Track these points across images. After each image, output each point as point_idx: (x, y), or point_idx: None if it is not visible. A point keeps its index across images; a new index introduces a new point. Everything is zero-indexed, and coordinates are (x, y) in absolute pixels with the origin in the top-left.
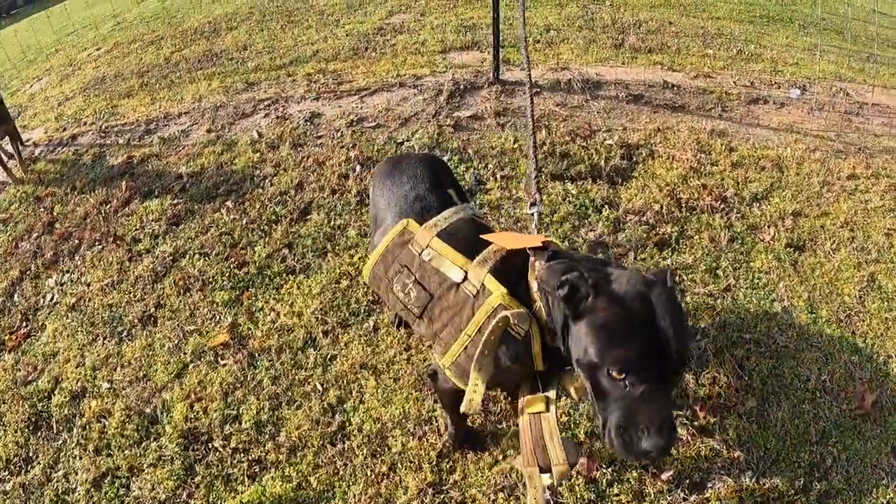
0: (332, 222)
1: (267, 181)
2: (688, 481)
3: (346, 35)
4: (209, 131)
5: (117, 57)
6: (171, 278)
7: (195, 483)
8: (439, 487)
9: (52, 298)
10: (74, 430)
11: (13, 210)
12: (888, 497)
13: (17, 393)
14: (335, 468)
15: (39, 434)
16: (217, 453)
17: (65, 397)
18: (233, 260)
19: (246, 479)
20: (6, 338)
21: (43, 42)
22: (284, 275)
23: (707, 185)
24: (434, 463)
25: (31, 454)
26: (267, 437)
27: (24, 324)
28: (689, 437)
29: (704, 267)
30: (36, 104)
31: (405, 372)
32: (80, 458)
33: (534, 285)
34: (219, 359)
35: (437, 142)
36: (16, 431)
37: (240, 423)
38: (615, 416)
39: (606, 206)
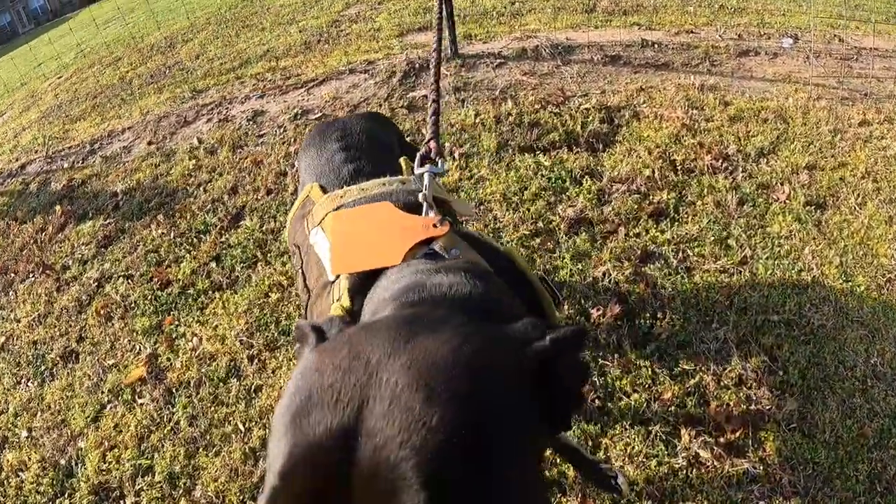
0: (265, 226)
1: (200, 189)
2: None
3: (300, 31)
4: (150, 143)
5: (76, 83)
6: (94, 307)
7: None
8: None
9: None
10: None
11: None
12: None
13: None
14: None
15: None
16: None
17: None
18: (156, 280)
19: None
20: None
21: (8, 78)
22: (210, 292)
23: (704, 143)
24: None
25: None
26: (181, 490)
27: None
28: (715, 461)
29: (713, 237)
30: None
31: None
32: None
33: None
34: (136, 397)
35: None
36: None
37: (153, 476)
38: None
39: (587, 177)
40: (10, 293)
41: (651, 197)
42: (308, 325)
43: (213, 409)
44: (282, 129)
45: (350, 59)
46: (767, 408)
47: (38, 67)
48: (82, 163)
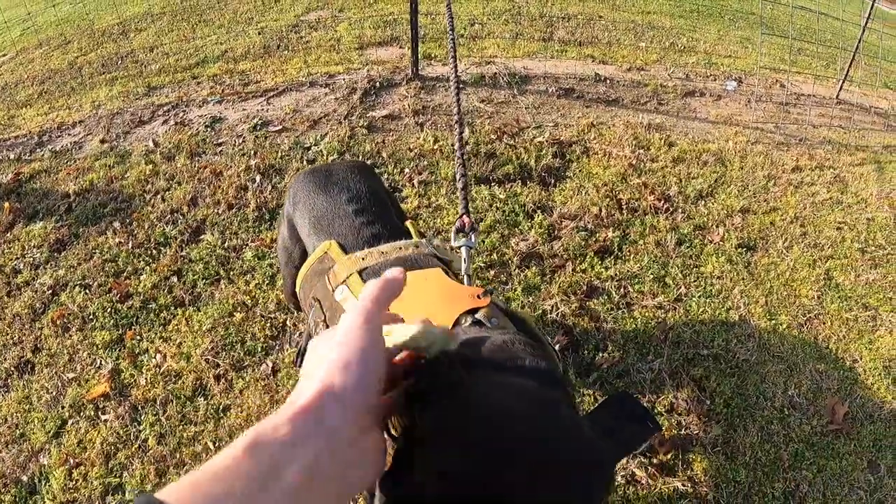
0: (227, 242)
1: (158, 197)
2: None
3: (258, 33)
4: (103, 142)
5: (21, 63)
6: (49, 316)
7: None
8: None
9: None
10: None
11: None
12: None
13: None
14: None
15: None
16: None
17: None
18: (115, 292)
19: None
20: None
21: None
22: (172, 308)
23: (648, 184)
24: None
25: None
26: None
27: None
28: (649, 479)
29: (652, 276)
30: None
31: None
32: None
33: None
34: (99, 413)
35: (348, 146)
36: None
37: (123, 494)
38: None
39: (539, 211)
40: None
41: (597, 234)
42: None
43: (181, 427)
44: (241, 140)
45: (310, 69)
46: (696, 432)
47: None
48: (30, 155)
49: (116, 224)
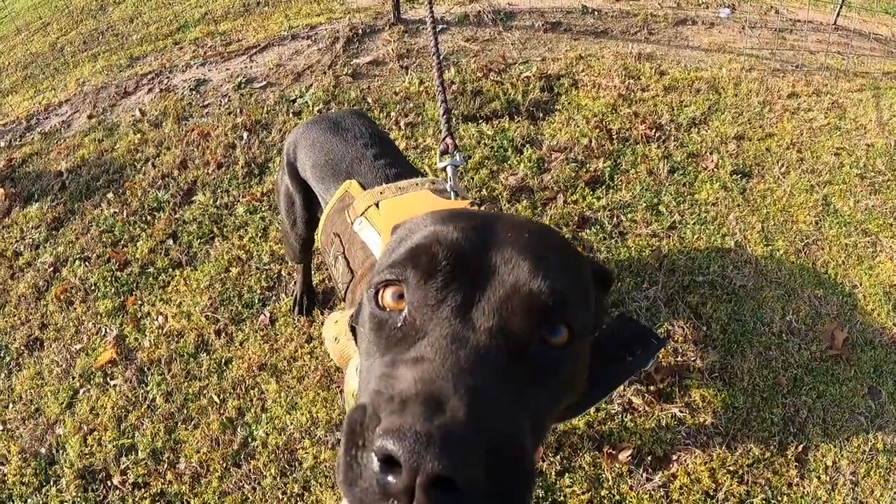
0: (219, 201)
1: (149, 164)
2: (650, 458)
3: None
4: (90, 117)
5: (2, 52)
6: (53, 292)
7: None
8: None
9: None
10: None
11: None
12: (870, 443)
13: None
14: (243, 494)
15: None
16: (117, 491)
17: None
18: (114, 261)
19: None
20: None
21: None
22: (170, 270)
23: (639, 113)
24: None
25: None
26: (166, 465)
27: None
28: (646, 407)
29: (645, 204)
30: None
31: (309, 368)
32: None
33: None
34: (108, 379)
35: (333, 95)
36: None
37: (136, 454)
38: (362, 392)
39: (528, 145)
40: None
41: (588, 165)
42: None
43: (186, 384)
44: (226, 100)
45: (291, 23)
46: (693, 360)
47: None
48: (20, 140)
49: (110, 195)
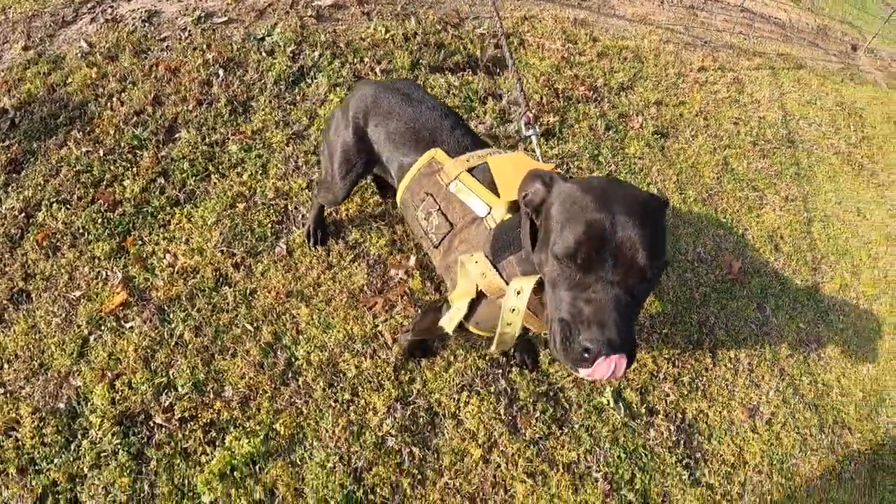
0: (207, 138)
1: (115, 100)
2: None
3: None
4: (26, 48)
5: None
6: (30, 240)
7: (152, 470)
8: (405, 400)
9: None
10: None
11: None
12: (759, 343)
13: None
14: (297, 408)
15: None
16: (163, 430)
17: None
18: (101, 202)
19: (206, 447)
20: None
21: None
22: (168, 208)
23: (579, 76)
24: (393, 378)
25: None
26: (212, 395)
27: None
28: None
29: (588, 155)
30: None
31: (334, 292)
32: (5, 487)
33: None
34: (122, 322)
35: (303, 36)
36: None
37: (176, 390)
38: (560, 309)
39: (490, 98)
40: None
41: (541, 118)
42: (547, 173)
43: (213, 317)
44: (187, 34)
45: None
46: None
47: None
48: None
49: (75, 133)
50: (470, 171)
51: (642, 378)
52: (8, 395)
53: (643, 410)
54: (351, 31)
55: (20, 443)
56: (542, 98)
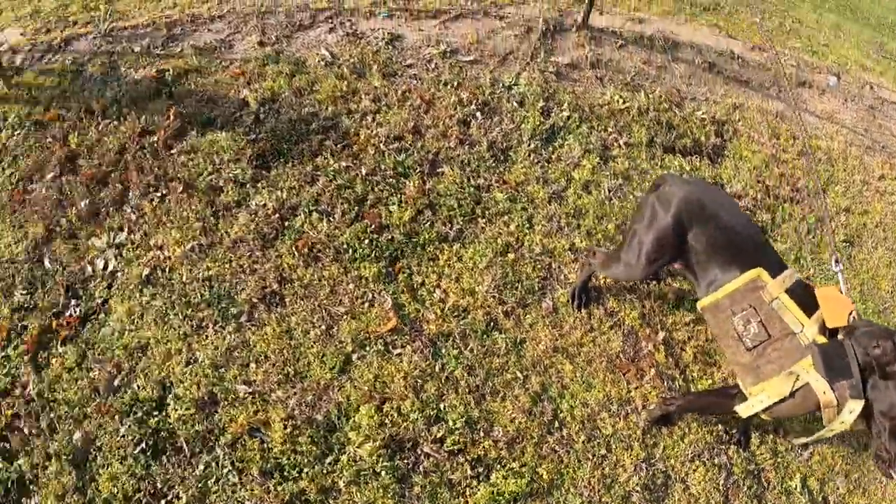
0: (472, 181)
1: (370, 119)
2: None
3: None
4: (262, 44)
5: None
6: (287, 243)
7: (415, 495)
8: (649, 461)
9: (105, 266)
10: (218, 450)
11: (8, 140)
12: None
13: (108, 406)
14: (559, 456)
15: (165, 461)
16: (431, 459)
17: (187, 408)
18: (367, 221)
19: (472, 481)
20: (53, 322)
21: None
22: (437, 242)
23: (784, 174)
24: (641, 440)
25: (161, 488)
26: (481, 433)
27: (74, 302)
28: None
29: (793, 256)
30: None
31: (595, 354)
32: (243, 488)
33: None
34: (390, 348)
35: (551, 93)
36: (125, 460)
37: (447, 423)
38: None
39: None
40: (129, 210)
41: (756, 215)
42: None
43: (485, 360)
44: (433, 66)
45: None
46: None
47: None
48: (163, 49)
49: (330, 144)
50: (788, 291)
51: (823, 470)
52: (256, 395)
53: (820, 499)
54: (589, 95)
55: (267, 446)
56: (756, 194)
